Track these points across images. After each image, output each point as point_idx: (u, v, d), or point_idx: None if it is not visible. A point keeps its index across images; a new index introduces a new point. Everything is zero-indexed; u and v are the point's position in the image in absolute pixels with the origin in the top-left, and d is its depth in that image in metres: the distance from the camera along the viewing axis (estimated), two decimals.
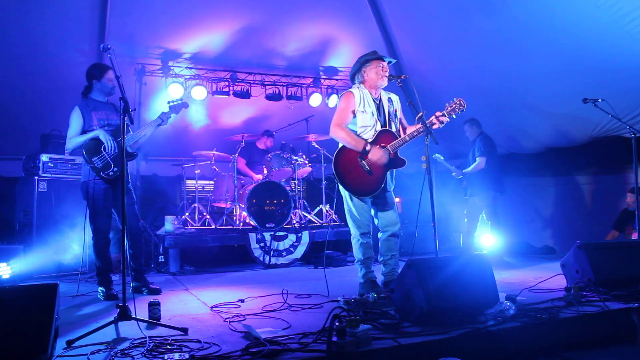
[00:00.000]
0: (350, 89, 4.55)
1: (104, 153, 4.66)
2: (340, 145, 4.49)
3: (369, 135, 4.42)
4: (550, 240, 8.17)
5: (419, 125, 4.17)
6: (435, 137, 4.06)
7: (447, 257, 4.08)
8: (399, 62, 8.12)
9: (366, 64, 4.53)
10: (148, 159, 8.43)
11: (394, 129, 4.53)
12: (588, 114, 6.17)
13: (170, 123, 5.11)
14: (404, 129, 4.60)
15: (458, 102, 4.25)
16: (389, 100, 4.63)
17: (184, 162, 8.23)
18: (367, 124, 4.43)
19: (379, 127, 4.45)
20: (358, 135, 4.42)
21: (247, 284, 5.52)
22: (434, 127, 4.22)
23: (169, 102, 5.05)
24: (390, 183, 4.55)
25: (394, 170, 4.54)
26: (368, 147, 4.30)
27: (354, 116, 4.47)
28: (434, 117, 4.24)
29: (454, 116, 4.28)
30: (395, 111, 4.62)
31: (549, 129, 7.39)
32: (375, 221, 4.63)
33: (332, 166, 4.44)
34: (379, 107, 4.54)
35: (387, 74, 4.48)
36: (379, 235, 4.60)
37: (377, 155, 4.29)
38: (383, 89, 4.63)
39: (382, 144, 4.35)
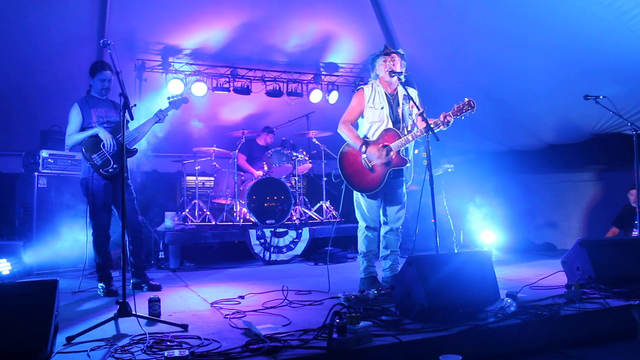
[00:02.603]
0: (363, 86, 4.60)
1: (103, 150, 4.65)
2: (343, 145, 4.52)
3: (379, 131, 4.42)
4: (550, 237, 8.16)
5: (424, 125, 4.11)
6: (437, 134, 4.03)
7: (447, 254, 4.08)
8: None
9: (375, 62, 4.55)
10: (148, 155, 8.42)
11: (409, 124, 4.48)
12: (589, 111, 6.14)
13: (170, 119, 5.10)
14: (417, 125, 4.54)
15: (467, 102, 4.11)
16: (405, 97, 4.49)
17: (184, 158, 8.21)
18: (376, 120, 4.45)
19: (390, 124, 4.44)
20: (365, 136, 4.45)
21: (247, 280, 5.52)
22: (440, 128, 4.15)
23: (168, 98, 5.05)
24: (402, 179, 4.54)
25: (411, 166, 4.52)
26: (363, 148, 4.35)
27: (362, 115, 4.52)
28: (440, 117, 4.15)
29: (462, 117, 4.14)
30: (412, 108, 4.47)
31: (549, 126, 7.37)
32: (381, 218, 4.64)
33: (337, 163, 4.49)
34: (393, 103, 4.51)
35: (393, 67, 4.41)
36: (381, 230, 4.63)
37: (373, 154, 4.31)
38: (401, 84, 4.47)
39: (386, 143, 4.35)
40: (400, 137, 4.34)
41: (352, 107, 4.56)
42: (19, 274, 5.49)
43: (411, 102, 4.42)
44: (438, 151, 7.19)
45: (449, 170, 7.21)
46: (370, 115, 4.46)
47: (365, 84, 4.68)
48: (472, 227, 7.49)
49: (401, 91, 4.55)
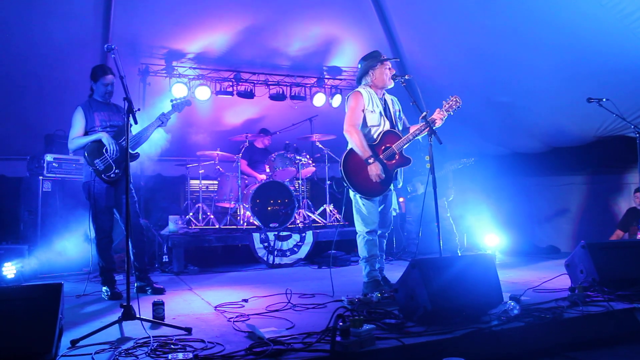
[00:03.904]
0: (357, 89, 4.61)
1: (106, 155, 4.67)
2: (348, 147, 4.53)
3: (377, 133, 4.50)
4: (554, 240, 8.15)
5: (421, 124, 4.27)
6: (440, 137, 4.09)
7: (451, 257, 4.09)
8: (403, 61, 8.11)
9: (374, 68, 4.57)
10: (152, 159, 8.44)
11: (400, 128, 4.65)
12: (592, 114, 6.14)
13: (173, 123, 5.11)
14: (407, 129, 4.63)
15: (454, 100, 4.37)
16: (392, 101, 4.74)
17: (188, 162, 8.22)
18: (375, 124, 4.51)
19: (387, 126, 4.52)
20: (371, 144, 4.50)
21: (251, 283, 5.53)
22: (436, 124, 4.30)
23: (171, 101, 5.06)
24: (398, 181, 4.60)
25: (402, 168, 4.56)
26: (371, 161, 4.39)
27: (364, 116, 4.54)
28: (435, 113, 4.34)
29: (451, 113, 4.39)
30: (399, 111, 4.73)
31: (553, 129, 7.37)
32: None
33: (341, 168, 4.48)
34: (386, 107, 4.62)
35: (392, 74, 4.58)
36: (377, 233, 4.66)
37: (374, 172, 4.37)
38: (386, 91, 4.72)
39: (388, 145, 4.43)
40: (401, 138, 4.43)
41: (353, 109, 4.54)
42: (24, 277, 5.51)
43: (396, 105, 4.72)
44: (440, 155, 7.20)
45: (468, 164, 7.18)
46: (370, 119, 4.51)
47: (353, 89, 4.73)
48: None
49: (387, 96, 4.73)
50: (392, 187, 4.62)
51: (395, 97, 4.81)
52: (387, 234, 4.76)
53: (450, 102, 4.39)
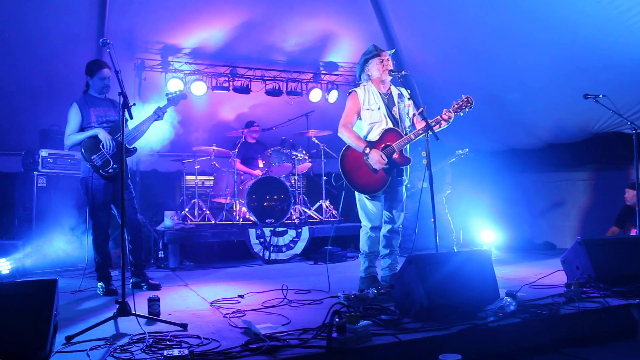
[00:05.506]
0: (354, 89, 4.56)
1: (103, 151, 4.65)
2: (346, 144, 4.49)
3: (378, 131, 4.40)
4: (550, 237, 8.16)
5: (425, 123, 4.13)
6: (437, 133, 4.04)
7: (447, 253, 4.08)
8: (399, 57, 8.10)
9: (367, 64, 4.52)
10: (147, 154, 8.41)
11: (407, 124, 4.52)
12: (589, 110, 6.15)
13: (169, 117, 5.09)
14: (413, 127, 4.55)
15: (465, 100, 4.18)
16: (400, 95, 4.58)
17: (184, 158, 8.20)
18: (375, 120, 4.43)
19: (389, 123, 4.43)
20: (365, 137, 4.43)
21: (247, 279, 5.52)
22: (442, 125, 4.19)
23: (167, 94, 5.02)
24: (404, 178, 4.55)
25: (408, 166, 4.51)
26: (367, 150, 4.30)
27: (359, 117, 4.48)
28: (442, 114, 4.19)
29: (461, 114, 4.21)
30: (408, 107, 4.56)
31: (549, 125, 7.37)
32: (383, 217, 4.63)
33: (339, 165, 4.45)
34: (388, 102, 4.50)
35: (390, 66, 4.45)
36: (382, 229, 4.61)
37: (375, 159, 4.28)
38: (394, 84, 4.59)
39: (388, 143, 4.33)
40: (402, 137, 4.34)
41: (348, 109, 4.51)
42: (18, 273, 5.49)
43: (406, 100, 4.52)
44: (436, 150, 7.18)
45: (462, 155, 7.16)
46: (368, 116, 4.44)
47: (357, 86, 4.66)
48: None
49: (395, 91, 4.59)
50: (406, 181, 4.56)
51: (406, 90, 4.57)
52: (400, 230, 4.63)
53: (461, 103, 4.18)
